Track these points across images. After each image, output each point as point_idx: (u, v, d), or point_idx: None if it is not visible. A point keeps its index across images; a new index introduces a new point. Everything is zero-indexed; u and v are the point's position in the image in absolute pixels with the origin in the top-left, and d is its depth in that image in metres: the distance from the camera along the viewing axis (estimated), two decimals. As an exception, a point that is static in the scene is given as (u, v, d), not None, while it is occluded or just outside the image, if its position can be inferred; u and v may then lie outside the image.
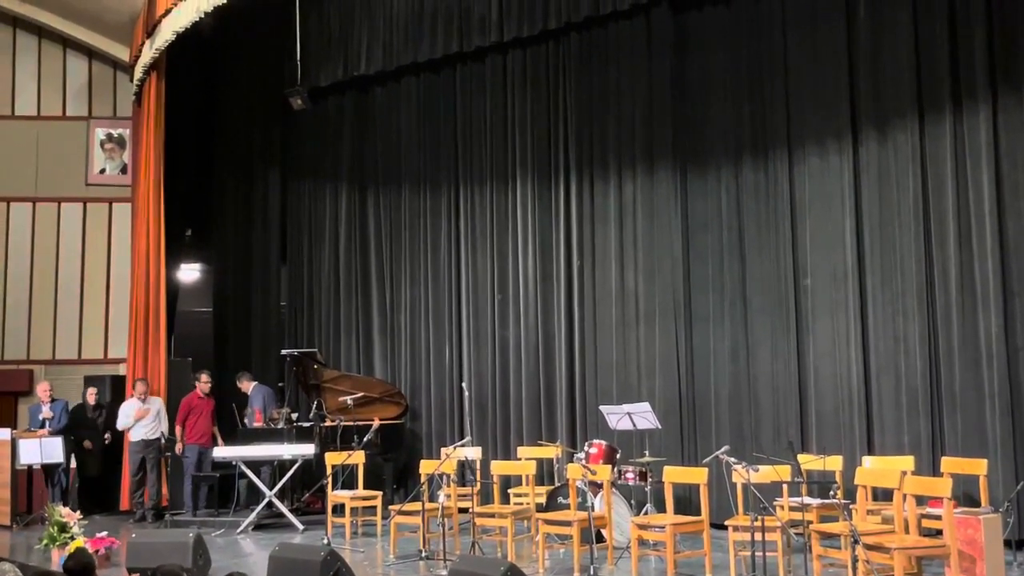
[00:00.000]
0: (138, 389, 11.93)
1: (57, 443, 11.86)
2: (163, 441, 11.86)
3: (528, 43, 11.75)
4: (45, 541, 9.28)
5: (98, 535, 8.94)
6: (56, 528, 9.23)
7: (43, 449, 11.75)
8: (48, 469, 11.97)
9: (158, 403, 12.01)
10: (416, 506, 8.90)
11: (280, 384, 12.91)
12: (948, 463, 8.11)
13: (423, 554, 8.67)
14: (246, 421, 11.99)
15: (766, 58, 10.22)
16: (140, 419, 11.76)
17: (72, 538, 8.94)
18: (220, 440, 11.97)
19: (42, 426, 12.07)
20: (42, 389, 12.39)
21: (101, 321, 14.22)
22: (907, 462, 8.29)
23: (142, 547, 8.11)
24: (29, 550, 9.82)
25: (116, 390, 12.71)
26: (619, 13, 10.95)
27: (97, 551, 8.46)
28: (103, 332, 14.22)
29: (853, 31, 9.65)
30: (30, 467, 11.96)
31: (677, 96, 10.78)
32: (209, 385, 12.01)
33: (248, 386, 12.27)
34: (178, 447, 11.83)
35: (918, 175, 9.18)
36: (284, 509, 10.95)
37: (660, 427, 9.48)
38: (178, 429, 11.86)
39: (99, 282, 14.29)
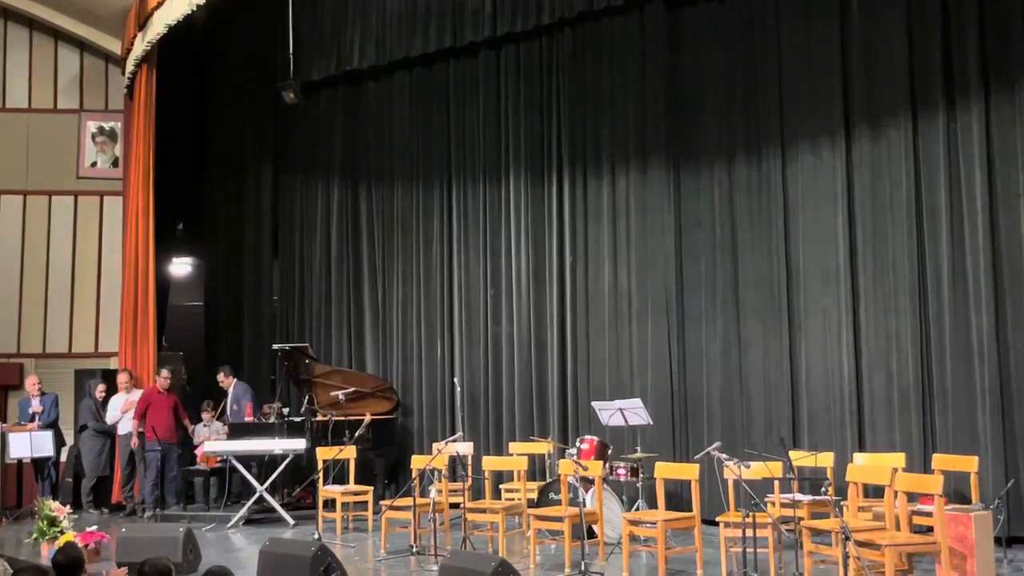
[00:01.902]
0: (121, 380, 11.91)
1: (47, 437, 11.83)
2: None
3: (521, 38, 11.73)
4: (35, 535, 9.25)
5: (88, 529, 8.92)
6: (46, 522, 9.20)
7: (33, 443, 11.72)
8: (38, 463, 11.93)
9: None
10: (407, 501, 8.87)
11: (272, 377, 12.87)
12: (939, 460, 8.13)
13: (414, 549, 8.66)
14: (227, 416, 11.95)
15: (759, 55, 10.22)
16: (128, 411, 11.73)
17: (62, 532, 8.91)
18: (190, 426, 12.04)
19: (32, 420, 12.03)
20: (31, 383, 12.34)
21: (92, 315, 14.17)
22: (898, 459, 8.30)
23: (132, 541, 8.10)
24: (19, 544, 9.80)
25: (107, 384, 12.65)
26: (613, 9, 10.94)
27: (87, 545, 8.43)
28: (94, 326, 14.16)
29: (846, 28, 9.66)
30: (20, 461, 11.92)
31: (670, 93, 10.78)
32: (168, 381, 11.75)
33: (228, 381, 12.21)
34: (133, 441, 11.61)
35: (911, 172, 9.20)
36: (275, 504, 10.93)
37: (652, 423, 9.49)
38: (135, 423, 11.58)
39: (90, 276, 14.23)
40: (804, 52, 9.91)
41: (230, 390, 12.16)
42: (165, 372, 11.81)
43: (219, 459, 11.57)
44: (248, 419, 11.75)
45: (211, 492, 11.97)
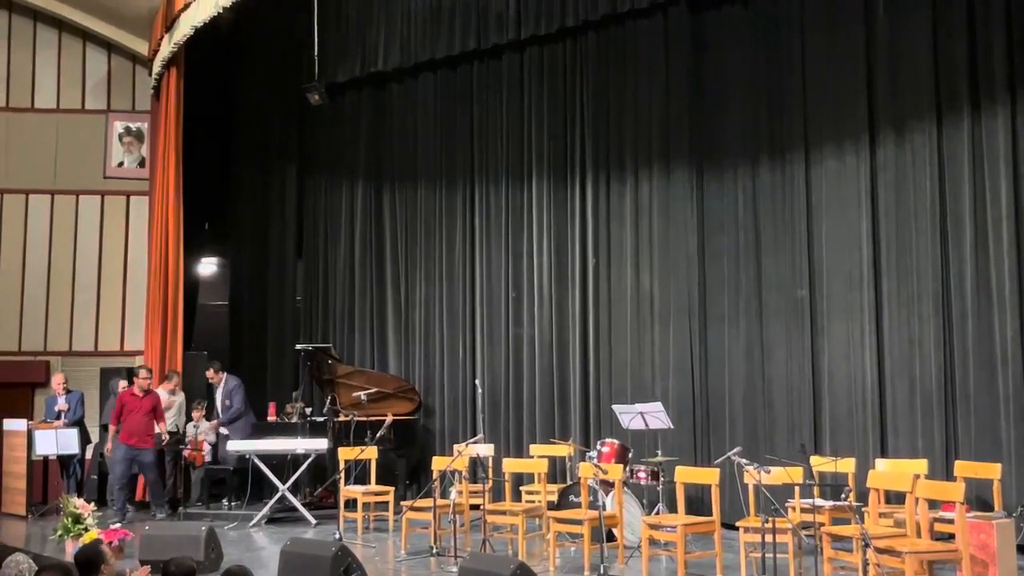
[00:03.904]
0: (173, 381, 11.96)
1: (72, 434, 11.94)
2: (181, 435, 11.90)
3: (545, 41, 11.74)
4: (60, 532, 9.34)
5: (112, 527, 9.00)
6: (70, 519, 9.29)
7: (59, 440, 11.84)
8: (63, 460, 12.04)
9: (180, 397, 12.09)
10: (428, 502, 8.92)
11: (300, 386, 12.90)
12: (961, 467, 8.07)
13: (434, 550, 8.68)
14: (218, 412, 11.90)
15: (784, 58, 10.18)
16: (168, 409, 11.78)
17: (86, 529, 9.00)
18: (161, 427, 11.36)
19: (58, 417, 12.15)
20: (56, 381, 12.45)
21: (118, 313, 14.29)
22: (920, 465, 8.24)
23: (155, 540, 8.18)
24: (44, 540, 9.90)
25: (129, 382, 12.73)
26: (637, 12, 10.93)
27: (111, 543, 8.50)
28: (119, 324, 14.28)
29: (871, 31, 9.61)
30: (46, 458, 12.04)
31: (694, 96, 10.75)
32: (148, 382, 11.28)
33: (219, 377, 12.05)
34: (107, 447, 11.30)
35: (935, 177, 9.14)
36: (297, 503, 10.99)
37: (672, 427, 9.46)
38: (112, 428, 11.24)
39: (116, 275, 14.35)
40: (828, 55, 9.86)
41: (220, 386, 12.08)
42: (144, 373, 11.42)
43: (206, 458, 11.49)
44: (271, 418, 11.85)
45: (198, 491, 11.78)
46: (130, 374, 11.88)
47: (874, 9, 9.59)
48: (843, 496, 7.10)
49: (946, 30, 9.16)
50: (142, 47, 13.91)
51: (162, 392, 11.90)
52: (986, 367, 8.72)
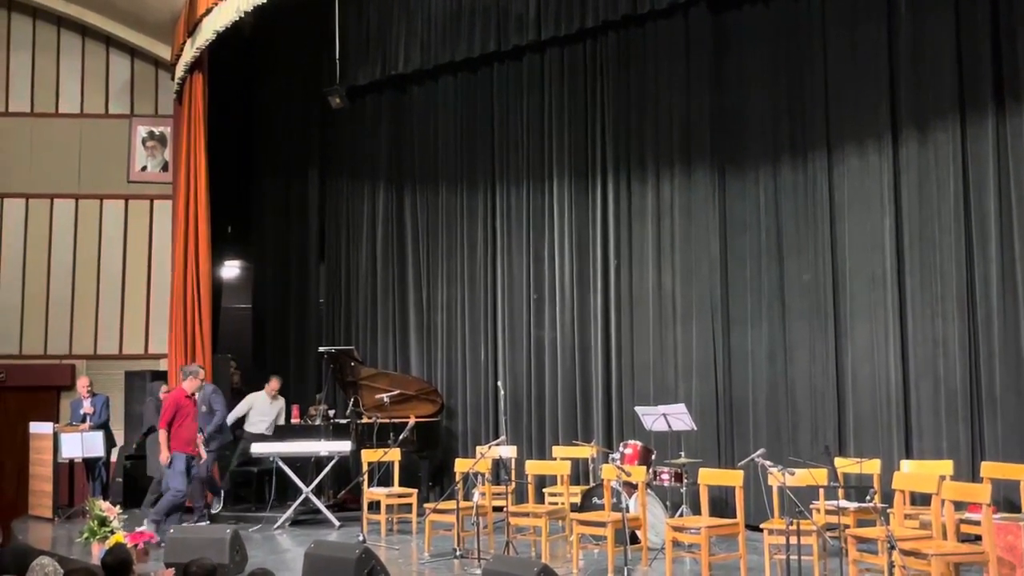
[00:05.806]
0: (272, 386, 12.09)
1: (98, 437, 12.02)
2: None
3: (565, 42, 11.73)
4: (86, 535, 9.40)
5: (138, 529, 9.06)
6: (96, 522, 9.34)
7: (84, 443, 11.93)
8: (89, 463, 12.13)
9: (280, 402, 12.26)
10: (451, 504, 8.92)
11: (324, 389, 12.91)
12: (988, 468, 7.99)
13: (457, 552, 8.71)
14: (199, 423, 11.02)
15: (805, 57, 10.13)
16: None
17: (112, 532, 9.05)
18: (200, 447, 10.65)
19: (83, 420, 12.23)
20: (82, 384, 12.53)
21: (142, 317, 14.39)
22: (946, 466, 8.19)
23: (180, 542, 8.20)
24: (70, 543, 9.97)
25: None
26: (657, 12, 10.89)
27: (136, 546, 8.56)
28: (144, 327, 14.38)
29: (893, 29, 9.55)
30: (71, 461, 12.13)
31: (715, 96, 10.72)
32: (201, 383, 10.57)
33: (193, 384, 10.83)
34: (163, 455, 10.01)
35: (959, 175, 9.08)
36: (321, 506, 11.03)
37: (695, 428, 9.44)
38: (163, 434, 10.02)
39: (140, 278, 14.46)
40: (850, 54, 9.81)
41: (197, 392, 11.17)
42: (201, 372, 10.76)
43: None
44: (295, 421, 11.89)
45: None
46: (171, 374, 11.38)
47: (896, 7, 9.53)
48: (868, 498, 7.07)
49: (970, 27, 9.09)
50: (164, 52, 14.00)
51: (265, 397, 12.04)
52: (1012, 367, 8.66)
